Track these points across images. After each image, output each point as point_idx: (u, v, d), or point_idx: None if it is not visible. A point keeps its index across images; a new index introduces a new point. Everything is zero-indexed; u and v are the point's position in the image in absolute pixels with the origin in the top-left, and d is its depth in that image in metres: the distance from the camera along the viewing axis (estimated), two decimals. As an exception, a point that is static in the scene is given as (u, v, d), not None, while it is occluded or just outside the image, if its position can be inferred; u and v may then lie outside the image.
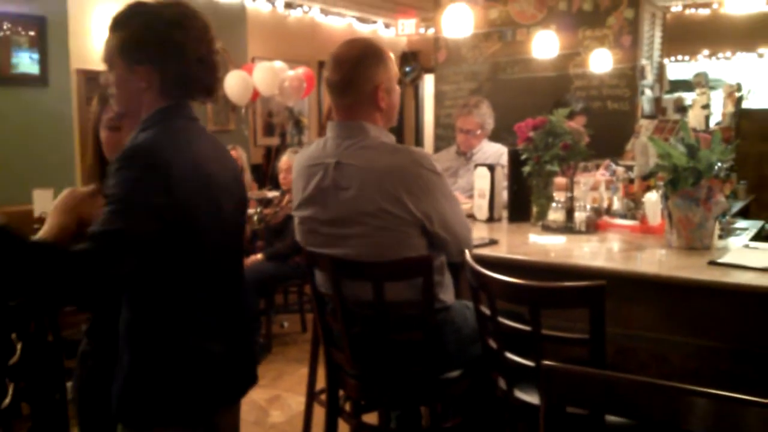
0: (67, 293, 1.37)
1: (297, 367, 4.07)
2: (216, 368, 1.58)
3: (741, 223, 3.82)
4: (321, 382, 2.54)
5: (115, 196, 1.42)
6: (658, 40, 6.15)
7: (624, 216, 3.04)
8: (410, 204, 1.99)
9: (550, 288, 1.76)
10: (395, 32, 8.90)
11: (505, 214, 3.24)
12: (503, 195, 3.24)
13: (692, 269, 2.18)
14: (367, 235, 2.02)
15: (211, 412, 1.62)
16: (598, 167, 3.77)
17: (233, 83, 6.03)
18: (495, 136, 4.01)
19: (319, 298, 2.19)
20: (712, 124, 4.77)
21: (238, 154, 5.16)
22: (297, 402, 3.54)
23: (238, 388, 1.68)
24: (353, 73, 2.06)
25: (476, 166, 3.29)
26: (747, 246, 2.57)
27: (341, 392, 2.34)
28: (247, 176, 5.35)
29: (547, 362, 1.06)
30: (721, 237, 2.72)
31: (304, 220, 2.15)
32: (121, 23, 1.61)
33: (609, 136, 4.74)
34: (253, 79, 6.23)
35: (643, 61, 5.58)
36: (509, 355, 1.87)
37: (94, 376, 1.84)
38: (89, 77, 5.49)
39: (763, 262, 2.20)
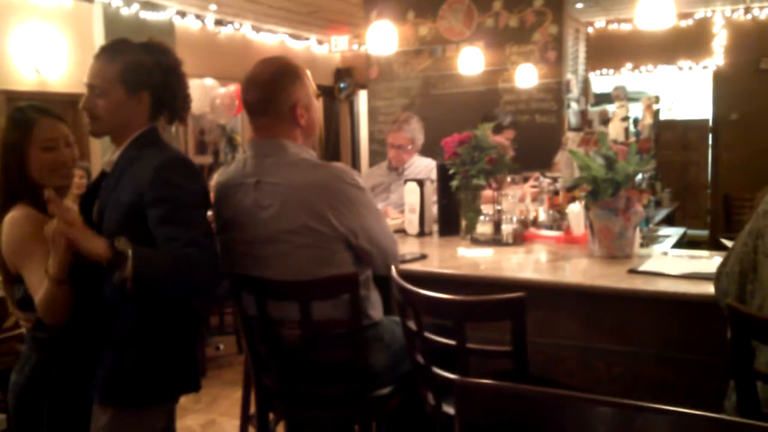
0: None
1: (232, 390, 3.99)
2: (193, 358, 1.94)
3: (664, 231, 3.97)
4: (254, 406, 2.49)
5: (181, 201, 1.72)
6: (582, 55, 6.34)
7: (550, 227, 3.11)
8: (334, 219, 1.98)
9: (472, 302, 1.77)
10: (328, 49, 8.93)
11: (436, 228, 3.27)
12: (433, 209, 3.26)
13: (613, 278, 2.24)
14: (291, 253, 2.00)
15: (186, 391, 1.92)
16: (526, 180, 3.85)
17: (162, 102, 5.92)
18: (428, 151, 4.04)
19: (247, 320, 2.15)
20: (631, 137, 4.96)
21: None
22: (232, 426, 3.46)
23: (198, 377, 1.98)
24: (270, 92, 2.04)
25: (406, 181, 3.31)
26: (665, 253, 2.66)
27: (272, 415, 2.30)
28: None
29: (459, 377, 1.07)
30: (643, 245, 2.80)
31: (227, 243, 2.11)
32: (119, 52, 1.85)
33: (537, 149, 4.86)
34: (184, 97, 6.12)
35: (569, 76, 5.74)
36: (436, 370, 1.88)
37: (64, 382, 1.90)
38: (9, 97, 5.31)
39: (680, 269, 2.27)
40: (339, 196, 2.00)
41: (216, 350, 4.87)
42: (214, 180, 4.42)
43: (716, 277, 1.82)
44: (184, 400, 2.05)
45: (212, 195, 2.23)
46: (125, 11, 6.23)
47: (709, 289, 1.89)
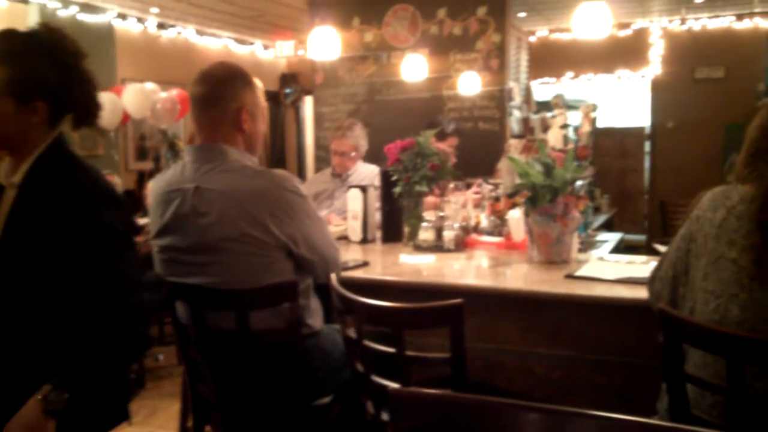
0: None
1: (172, 402, 3.88)
2: (124, 390, 1.75)
3: (602, 236, 4.04)
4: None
5: (109, 251, 1.55)
6: (524, 63, 6.45)
7: (491, 233, 3.13)
8: (274, 227, 1.95)
9: (411, 309, 1.77)
10: (274, 54, 8.86)
11: (379, 234, 3.26)
12: (376, 216, 3.26)
13: (550, 283, 2.27)
14: (230, 261, 1.96)
15: (116, 425, 1.72)
16: (468, 186, 3.88)
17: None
18: (374, 157, 4.03)
19: (181, 330, 2.10)
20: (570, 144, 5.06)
21: (114, 181, 4.97)
22: (171, 439, 3.38)
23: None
24: (219, 88, 2.03)
25: (349, 187, 3.29)
26: (602, 259, 2.71)
27: (210, 427, 2.25)
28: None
29: (392, 387, 1.05)
30: (581, 250, 2.85)
31: (163, 249, 2.06)
32: (5, 55, 1.56)
33: (480, 156, 4.90)
34: (123, 101, 5.99)
35: (511, 84, 5.82)
36: (375, 379, 1.86)
37: None
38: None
39: (615, 274, 2.31)
40: (279, 203, 1.97)
41: (155, 361, 4.74)
42: (151, 185, 4.34)
43: (650, 281, 1.86)
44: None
45: (149, 200, 2.17)
46: (62, 13, 6.04)
47: (644, 293, 1.92)
